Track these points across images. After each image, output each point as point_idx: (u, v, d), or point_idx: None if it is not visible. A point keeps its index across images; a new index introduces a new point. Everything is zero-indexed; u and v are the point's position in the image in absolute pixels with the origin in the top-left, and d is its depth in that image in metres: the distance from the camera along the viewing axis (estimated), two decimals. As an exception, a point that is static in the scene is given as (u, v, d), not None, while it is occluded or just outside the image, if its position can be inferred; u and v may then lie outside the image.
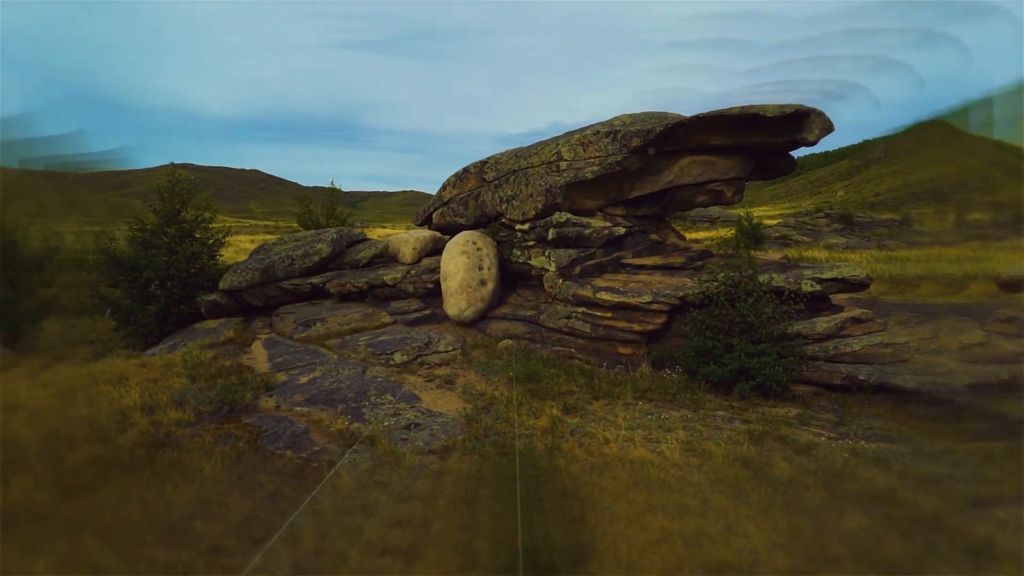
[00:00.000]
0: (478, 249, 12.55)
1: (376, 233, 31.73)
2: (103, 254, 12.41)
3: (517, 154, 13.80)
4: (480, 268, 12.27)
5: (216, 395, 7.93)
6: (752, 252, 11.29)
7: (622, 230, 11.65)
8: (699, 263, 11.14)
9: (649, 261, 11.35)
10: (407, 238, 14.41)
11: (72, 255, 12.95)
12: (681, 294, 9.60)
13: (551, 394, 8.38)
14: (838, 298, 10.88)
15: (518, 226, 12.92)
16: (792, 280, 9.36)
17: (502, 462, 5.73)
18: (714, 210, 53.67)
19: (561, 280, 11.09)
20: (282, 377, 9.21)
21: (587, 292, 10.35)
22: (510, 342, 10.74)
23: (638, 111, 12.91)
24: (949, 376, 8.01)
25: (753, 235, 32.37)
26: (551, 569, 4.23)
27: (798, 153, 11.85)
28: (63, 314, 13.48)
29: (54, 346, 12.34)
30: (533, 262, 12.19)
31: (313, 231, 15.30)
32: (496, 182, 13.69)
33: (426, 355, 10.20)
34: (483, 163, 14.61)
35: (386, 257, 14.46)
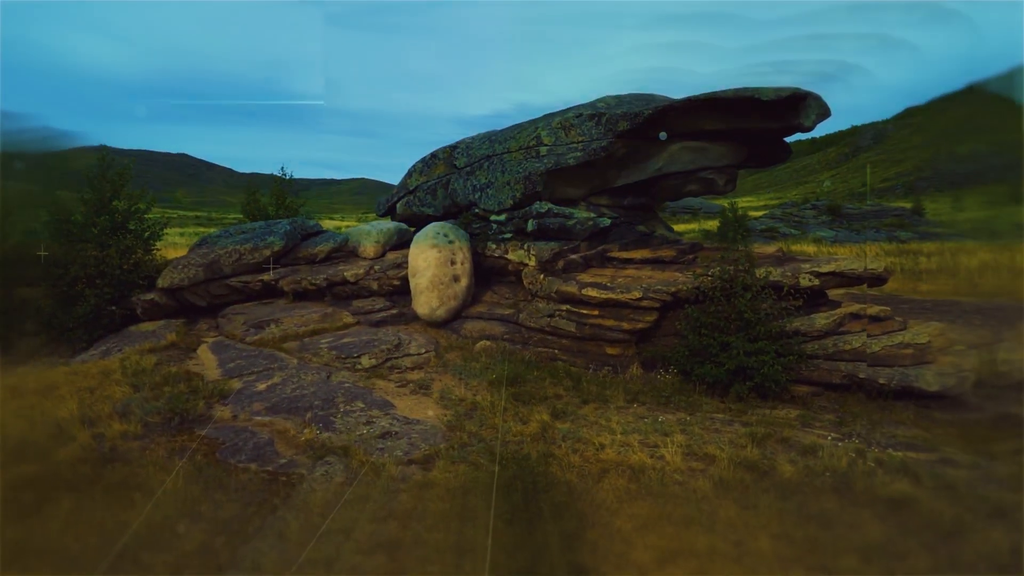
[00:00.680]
0: (450, 242, 12.60)
1: (324, 225, 31.32)
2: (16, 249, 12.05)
3: (491, 138, 13.90)
4: (453, 263, 12.33)
5: (164, 405, 7.84)
6: (749, 245, 11.62)
7: (608, 221, 11.87)
8: (690, 256, 11.44)
9: (637, 255, 11.60)
10: (369, 230, 14.36)
11: None
12: (673, 290, 9.86)
13: (537, 398, 8.53)
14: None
15: (493, 217, 13.03)
16: (790, 274, 9.71)
17: (496, 471, 5.83)
18: (695, 201, 54.72)
19: (542, 275, 11.24)
20: (236, 384, 9.13)
21: (572, 288, 10.53)
22: (488, 343, 10.84)
23: (621, 92, 13.16)
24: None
25: (738, 227, 33.12)
26: None
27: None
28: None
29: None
30: (510, 256, 12.30)
31: (263, 222, 15.11)
32: (468, 168, 13.77)
33: (396, 358, 10.23)
34: (453, 148, 14.67)
35: (345, 251, 14.39)
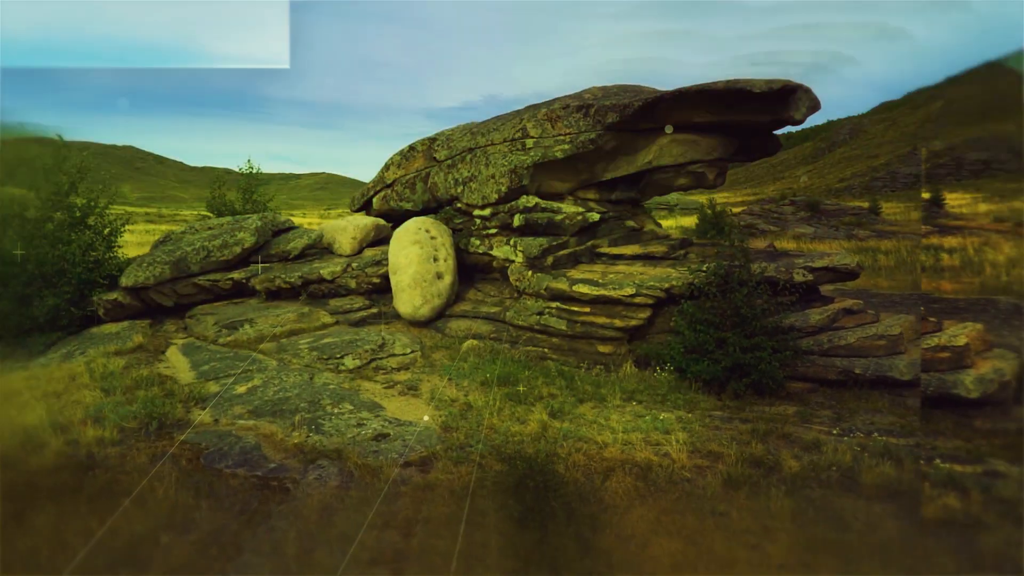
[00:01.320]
0: (432, 238, 12.62)
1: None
2: None
3: (472, 130, 13.94)
4: (435, 260, 12.35)
5: (140, 409, 7.73)
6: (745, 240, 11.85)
7: (596, 216, 12.02)
8: (681, 252, 11.65)
9: (627, 250, 11.77)
10: (345, 226, 14.28)
11: None
12: (667, 286, 10.04)
13: (531, 398, 8.62)
14: (825, 289, 11.65)
15: (477, 212, 13.08)
16: (783, 269, 9.98)
17: (503, 469, 5.89)
18: (672, 196, 55.56)
19: (531, 272, 11.33)
20: (213, 387, 9.05)
21: (562, 285, 10.64)
22: (475, 343, 10.89)
23: (597, 84, 13.33)
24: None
25: (717, 224, 33.64)
26: None
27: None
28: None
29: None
30: (495, 252, 12.38)
31: (231, 218, 14.93)
32: (449, 161, 13.79)
33: (381, 359, 10.22)
34: (432, 140, 14.67)
35: (320, 248, 14.30)
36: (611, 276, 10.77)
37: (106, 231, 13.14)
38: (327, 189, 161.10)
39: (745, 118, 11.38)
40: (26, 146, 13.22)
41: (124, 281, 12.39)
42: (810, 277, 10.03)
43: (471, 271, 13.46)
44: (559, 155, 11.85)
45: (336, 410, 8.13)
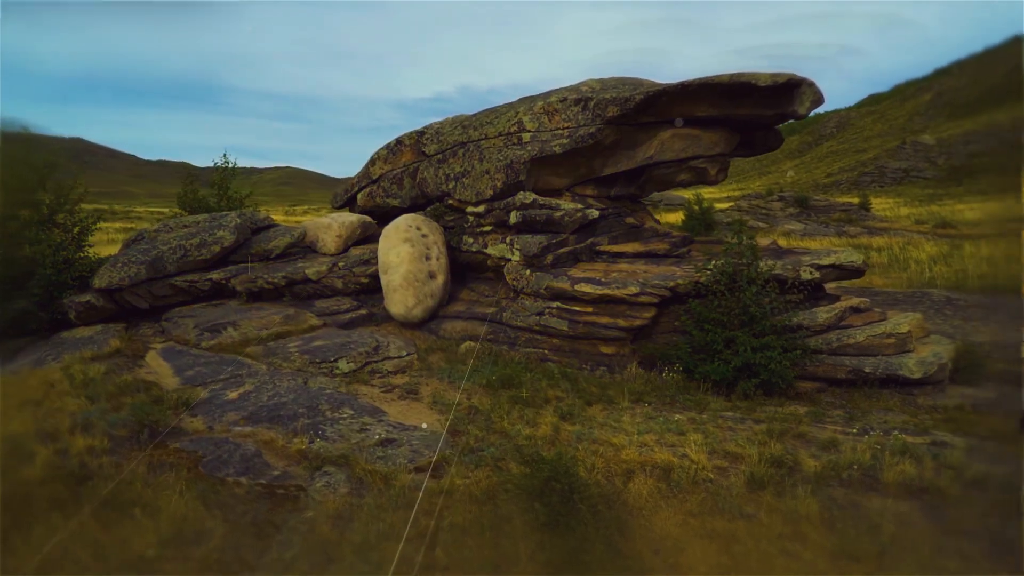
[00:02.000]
0: (424, 236, 12.68)
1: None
2: None
3: (463, 123, 14.02)
4: (428, 258, 12.42)
5: (129, 416, 7.69)
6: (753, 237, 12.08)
7: (596, 213, 12.18)
8: (684, 250, 11.87)
9: (628, 248, 11.95)
10: (329, 223, 14.27)
11: None
12: (672, 284, 10.23)
13: (537, 400, 8.75)
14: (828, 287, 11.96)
15: (470, 208, 13.16)
16: (790, 267, 10.23)
17: (524, 472, 5.99)
18: (656, 194, 56.08)
19: (529, 271, 11.45)
20: (202, 393, 9.02)
21: (563, 284, 10.78)
22: (473, 344, 10.98)
23: (589, 77, 13.53)
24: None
25: (704, 220, 34.04)
26: None
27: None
28: None
29: None
30: (490, 251, 12.46)
31: (207, 215, 14.81)
32: (440, 156, 13.86)
33: (377, 362, 10.26)
34: (420, 133, 14.72)
35: (302, 247, 14.26)
36: (613, 275, 10.93)
37: (76, 229, 12.96)
38: (292, 184, 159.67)
39: (748, 112, 11.63)
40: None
41: (97, 282, 12.23)
42: (817, 275, 10.30)
43: (463, 270, 13.55)
44: (557, 150, 11.99)
45: (336, 415, 8.17)
